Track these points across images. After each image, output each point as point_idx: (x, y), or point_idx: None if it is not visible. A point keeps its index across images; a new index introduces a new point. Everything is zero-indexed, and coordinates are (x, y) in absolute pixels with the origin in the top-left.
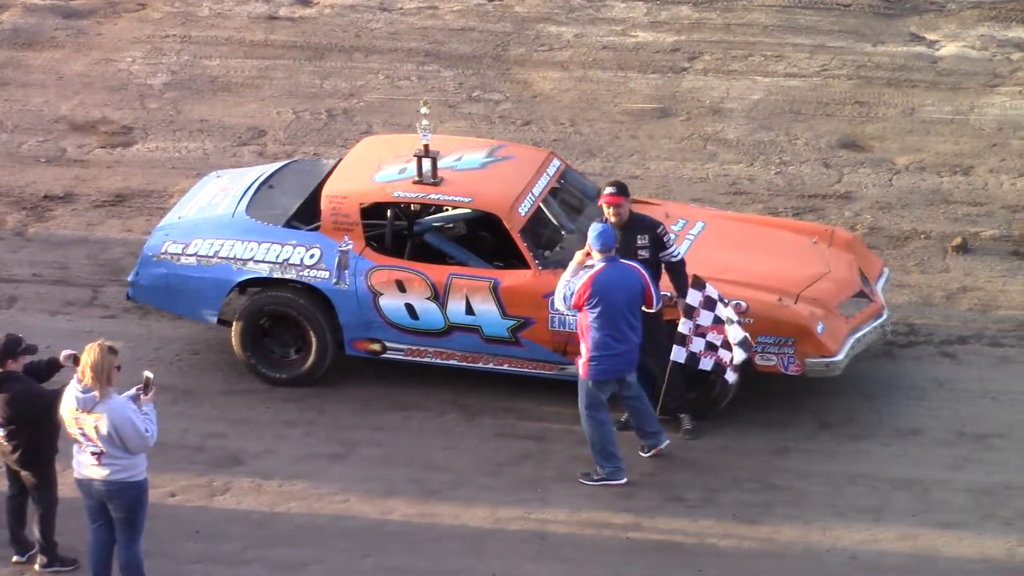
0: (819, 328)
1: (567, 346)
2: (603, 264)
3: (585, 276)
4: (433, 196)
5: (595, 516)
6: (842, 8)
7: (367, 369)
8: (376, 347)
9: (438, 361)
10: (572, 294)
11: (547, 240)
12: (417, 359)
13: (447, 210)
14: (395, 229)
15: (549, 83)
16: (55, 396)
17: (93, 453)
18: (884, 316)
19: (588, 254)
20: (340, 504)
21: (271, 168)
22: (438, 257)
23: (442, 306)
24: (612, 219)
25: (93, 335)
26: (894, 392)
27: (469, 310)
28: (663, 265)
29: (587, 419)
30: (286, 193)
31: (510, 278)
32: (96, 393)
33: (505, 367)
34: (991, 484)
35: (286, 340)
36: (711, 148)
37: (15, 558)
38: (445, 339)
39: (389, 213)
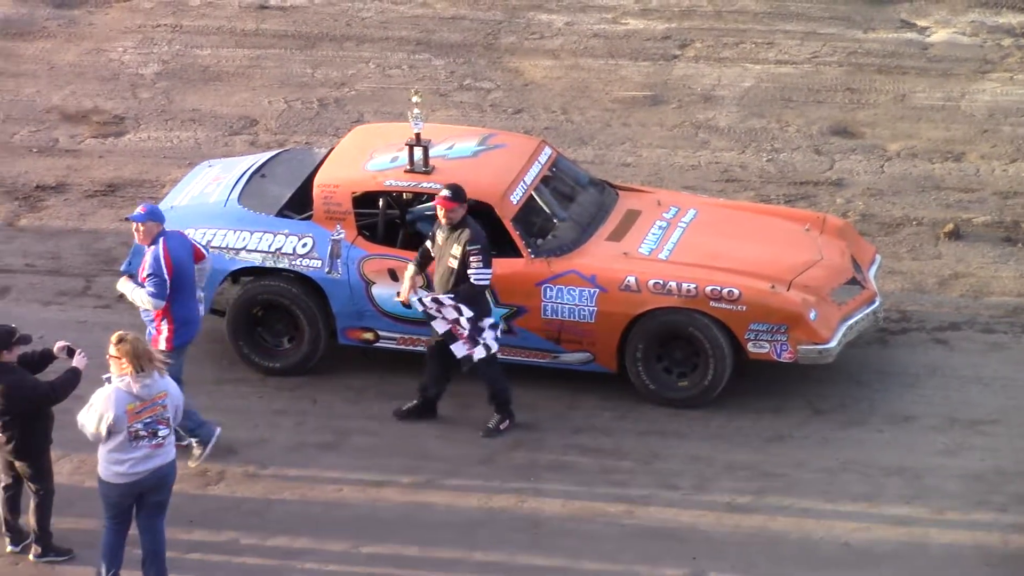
0: (812, 315)
1: (560, 334)
2: (162, 238)
3: (158, 258)
4: (425, 185)
5: (589, 504)
6: None
7: (360, 358)
8: (369, 336)
9: None
10: (164, 282)
11: (539, 228)
12: (410, 348)
13: None
14: (387, 218)
15: (540, 71)
16: (49, 388)
17: (163, 436)
18: (876, 303)
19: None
20: (334, 493)
21: (263, 157)
22: None
23: None
24: (442, 221)
25: (86, 325)
26: (886, 379)
27: None
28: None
29: None
30: (278, 182)
31: (502, 267)
32: (155, 375)
33: None
34: (983, 470)
35: (279, 329)
36: (703, 135)
37: (9, 548)
38: None
39: (381, 202)
